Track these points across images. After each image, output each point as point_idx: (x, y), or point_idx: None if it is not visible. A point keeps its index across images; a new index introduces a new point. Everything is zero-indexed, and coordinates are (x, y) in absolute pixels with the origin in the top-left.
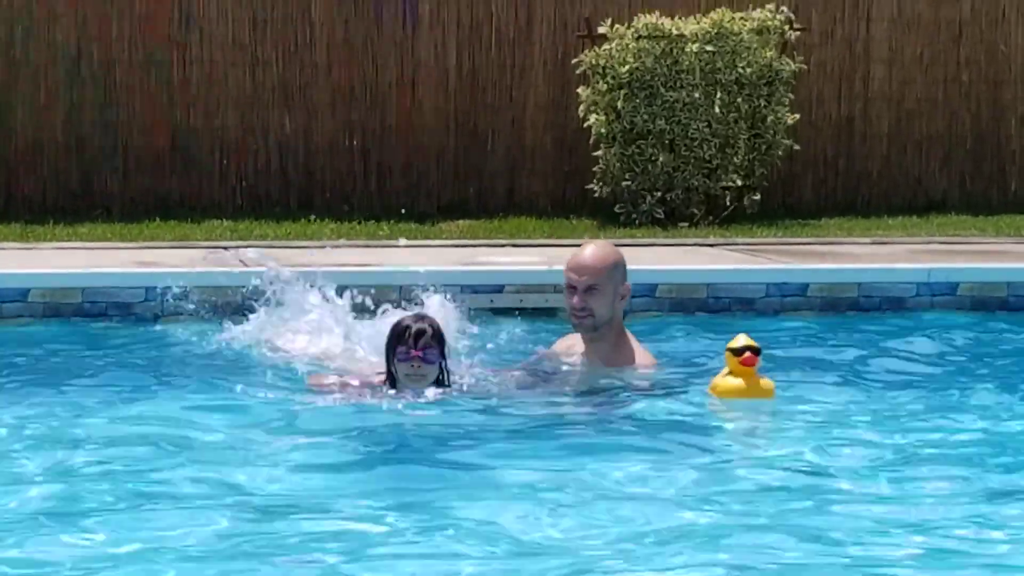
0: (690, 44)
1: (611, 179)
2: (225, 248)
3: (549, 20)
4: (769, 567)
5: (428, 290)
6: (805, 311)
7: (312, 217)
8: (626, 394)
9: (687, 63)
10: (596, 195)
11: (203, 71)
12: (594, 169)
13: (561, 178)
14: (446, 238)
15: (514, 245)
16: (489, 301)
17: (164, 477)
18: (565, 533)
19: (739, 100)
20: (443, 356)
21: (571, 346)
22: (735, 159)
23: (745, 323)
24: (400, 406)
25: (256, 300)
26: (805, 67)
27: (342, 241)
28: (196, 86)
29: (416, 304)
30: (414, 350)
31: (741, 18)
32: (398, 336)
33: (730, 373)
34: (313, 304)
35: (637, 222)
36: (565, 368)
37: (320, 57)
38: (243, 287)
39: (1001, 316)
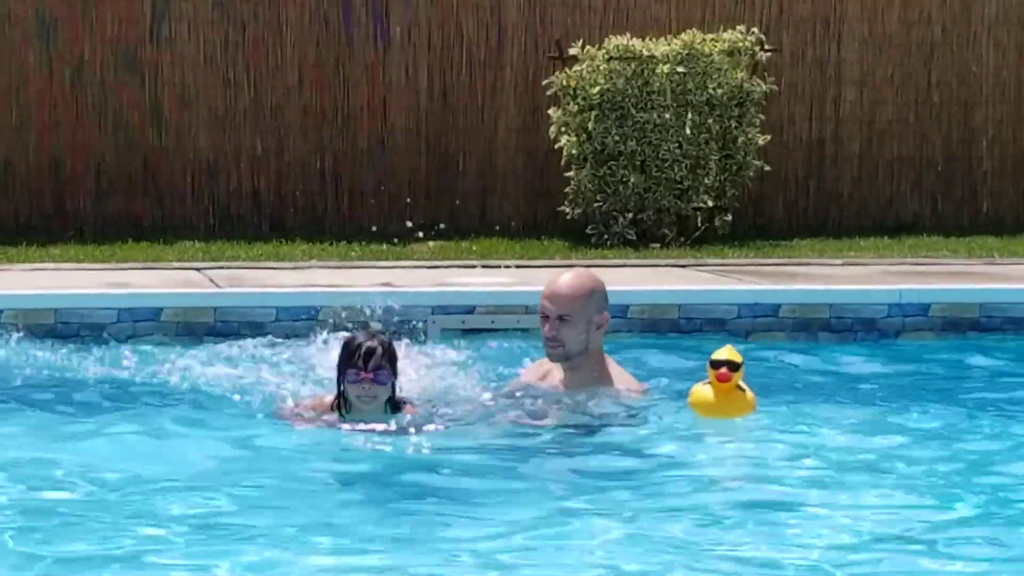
0: (661, 65)
1: (582, 200)
2: (197, 269)
3: (520, 42)
4: None
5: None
6: (777, 332)
7: (283, 239)
8: (596, 421)
9: (658, 84)
10: (568, 216)
11: (175, 92)
12: (566, 190)
13: (533, 199)
14: (418, 259)
15: (485, 266)
16: (460, 322)
17: (127, 499)
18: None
19: (710, 121)
20: (394, 375)
21: (548, 371)
22: (706, 180)
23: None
24: (361, 441)
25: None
26: (776, 88)
27: (314, 262)
28: (168, 108)
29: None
30: (364, 372)
31: (712, 39)
32: (348, 356)
33: (709, 383)
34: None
35: (609, 243)
36: (539, 396)
37: (292, 79)
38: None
39: (972, 337)
